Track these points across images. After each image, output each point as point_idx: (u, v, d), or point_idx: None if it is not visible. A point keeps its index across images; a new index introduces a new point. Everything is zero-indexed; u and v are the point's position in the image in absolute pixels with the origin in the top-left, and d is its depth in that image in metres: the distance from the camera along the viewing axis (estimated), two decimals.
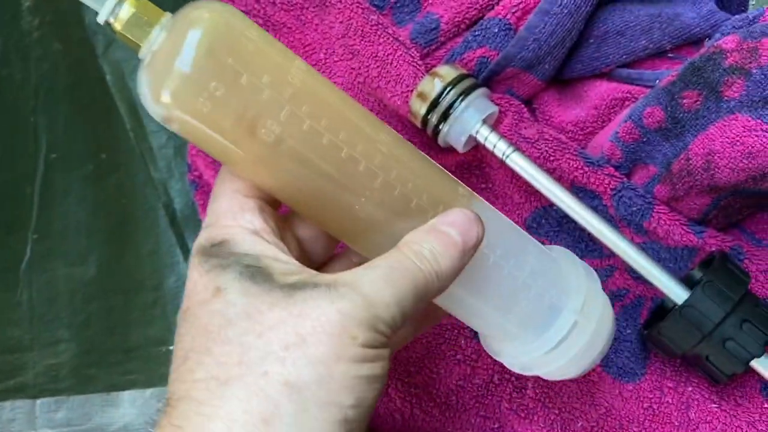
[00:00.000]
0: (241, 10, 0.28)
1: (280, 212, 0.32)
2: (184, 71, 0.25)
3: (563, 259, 0.35)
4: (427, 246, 0.28)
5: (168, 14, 0.27)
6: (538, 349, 0.33)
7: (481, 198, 0.33)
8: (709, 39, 0.41)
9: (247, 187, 0.29)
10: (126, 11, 0.26)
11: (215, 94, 0.26)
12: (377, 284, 0.27)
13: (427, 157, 0.32)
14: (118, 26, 0.26)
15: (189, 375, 0.26)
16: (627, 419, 0.41)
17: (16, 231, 0.61)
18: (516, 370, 0.35)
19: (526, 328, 0.33)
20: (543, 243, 0.44)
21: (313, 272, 0.28)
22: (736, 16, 0.40)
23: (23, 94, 0.63)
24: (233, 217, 0.29)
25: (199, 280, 0.27)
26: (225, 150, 0.27)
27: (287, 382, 0.24)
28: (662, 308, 0.42)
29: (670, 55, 0.43)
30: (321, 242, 0.33)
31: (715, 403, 0.41)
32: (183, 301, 0.28)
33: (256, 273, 0.26)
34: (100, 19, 0.26)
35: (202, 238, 0.29)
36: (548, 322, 0.33)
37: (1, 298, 0.60)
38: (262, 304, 0.26)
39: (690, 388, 0.41)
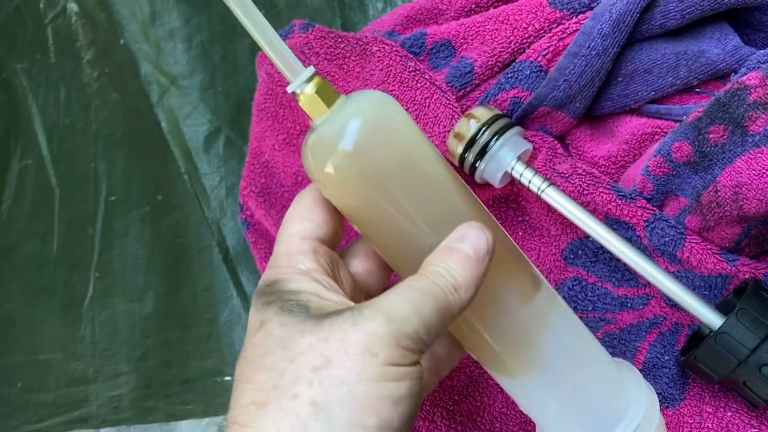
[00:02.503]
0: None
1: (337, 249, 0.34)
2: (344, 150, 0.29)
3: (626, 370, 0.37)
4: (441, 264, 0.30)
5: (342, 97, 0.31)
6: None
7: (554, 292, 0.35)
8: (735, 73, 0.43)
9: (304, 230, 0.32)
10: (310, 88, 0.30)
11: (362, 170, 0.30)
12: (397, 302, 0.28)
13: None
14: (302, 99, 0.30)
15: (236, 402, 0.28)
16: None
17: (79, 270, 0.65)
18: None
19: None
20: (580, 275, 0.46)
21: (349, 303, 0.30)
22: (761, 51, 0.42)
23: (84, 141, 0.67)
24: (288, 259, 0.31)
25: (251, 317, 0.30)
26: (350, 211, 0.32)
27: (314, 403, 0.26)
28: (699, 335, 0.43)
29: (697, 90, 0.45)
30: (375, 276, 0.35)
31: (755, 427, 0.41)
32: None
33: (295, 306, 0.29)
34: (289, 89, 0.30)
35: (262, 280, 0.31)
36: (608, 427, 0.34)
37: (66, 334, 0.63)
38: (295, 333, 0.28)
39: (729, 413, 0.42)
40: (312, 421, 0.26)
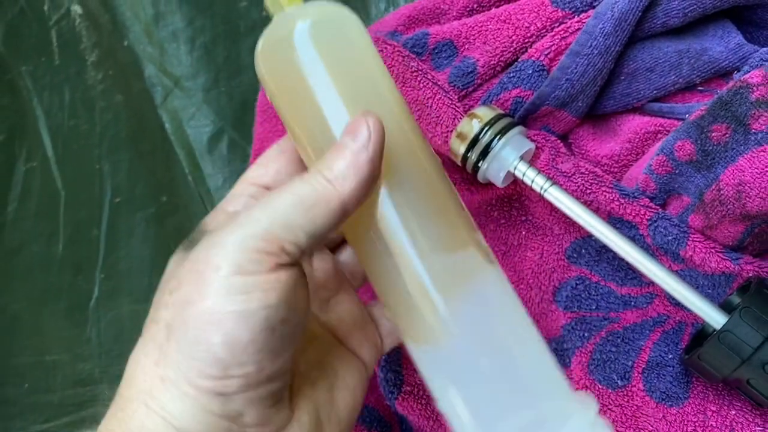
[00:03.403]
0: None
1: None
2: (289, 44, 0.30)
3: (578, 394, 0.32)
4: (319, 162, 0.29)
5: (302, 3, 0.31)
6: None
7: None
8: (738, 72, 0.43)
9: (257, 175, 0.32)
10: None
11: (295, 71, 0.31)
12: (251, 208, 0.27)
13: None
14: None
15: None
16: None
17: (85, 271, 0.65)
18: None
19: None
20: (583, 274, 0.46)
21: None
22: (764, 49, 0.42)
23: (89, 143, 0.68)
24: (227, 201, 0.32)
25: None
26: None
27: (168, 325, 0.26)
28: (702, 333, 0.43)
29: (700, 88, 0.45)
30: None
31: (759, 426, 0.41)
32: None
33: (193, 242, 0.28)
34: None
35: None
36: None
37: (73, 335, 0.64)
38: (175, 264, 0.29)
39: (733, 412, 0.42)
40: (165, 342, 0.26)
